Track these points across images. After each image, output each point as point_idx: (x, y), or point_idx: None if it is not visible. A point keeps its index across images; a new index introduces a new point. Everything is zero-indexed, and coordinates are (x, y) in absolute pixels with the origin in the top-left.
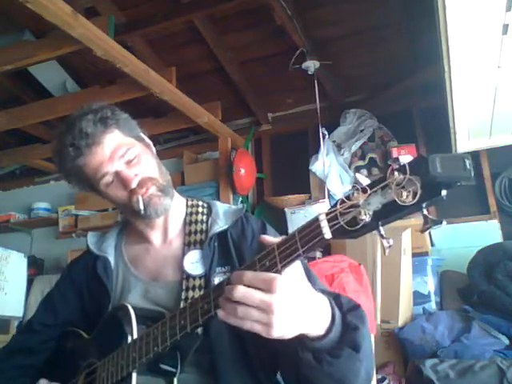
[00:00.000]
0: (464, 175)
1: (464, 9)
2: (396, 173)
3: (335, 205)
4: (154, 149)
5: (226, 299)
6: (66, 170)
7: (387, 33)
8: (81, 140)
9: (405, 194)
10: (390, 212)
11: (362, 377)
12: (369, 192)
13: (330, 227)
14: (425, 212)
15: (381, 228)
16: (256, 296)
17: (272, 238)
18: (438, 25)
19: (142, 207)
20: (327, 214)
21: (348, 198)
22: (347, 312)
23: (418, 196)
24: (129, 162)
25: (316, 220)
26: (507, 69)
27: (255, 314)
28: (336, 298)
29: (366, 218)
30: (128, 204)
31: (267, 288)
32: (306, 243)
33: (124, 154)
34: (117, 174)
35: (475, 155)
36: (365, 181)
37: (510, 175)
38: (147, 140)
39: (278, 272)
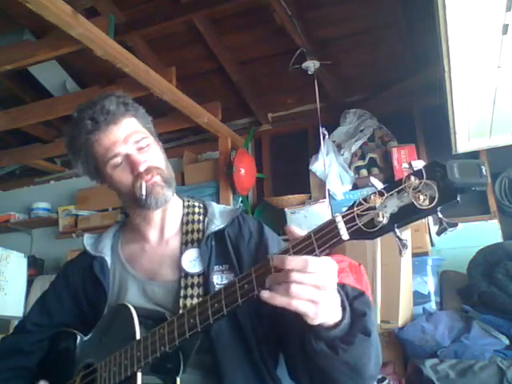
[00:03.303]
0: (480, 181)
1: (464, 9)
2: (412, 177)
3: (352, 207)
4: (162, 147)
5: (276, 278)
6: (78, 145)
7: (387, 33)
8: (101, 115)
9: (422, 197)
10: (407, 215)
11: (373, 361)
12: (386, 195)
13: (348, 228)
14: (440, 215)
15: (397, 230)
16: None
17: (298, 230)
18: (438, 25)
19: (144, 193)
20: (344, 216)
21: (365, 200)
22: (353, 299)
23: (435, 200)
24: (140, 149)
25: (333, 221)
26: (507, 69)
27: (309, 291)
28: (341, 288)
29: (383, 220)
30: (130, 189)
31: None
32: (323, 244)
33: (138, 140)
34: (127, 157)
35: (475, 155)
36: (379, 184)
37: (510, 175)
38: (157, 138)
39: None
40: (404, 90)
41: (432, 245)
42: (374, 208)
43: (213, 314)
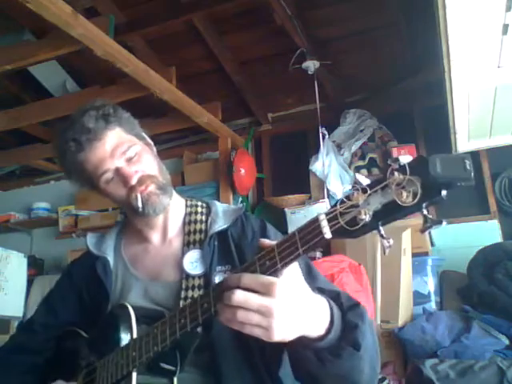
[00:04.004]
0: (464, 176)
1: (464, 9)
2: (396, 173)
3: (335, 205)
4: (154, 148)
5: (225, 304)
6: (67, 166)
7: (387, 33)
8: (82, 135)
9: (405, 194)
10: (390, 212)
11: (367, 373)
12: (369, 192)
13: (330, 227)
14: (425, 212)
15: (381, 228)
16: (255, 300)
17: (270, 241)
18: (438, 25)
19: (140, 205)
20: (327, 214)
21: (348, 197)
22: (347, 311)
23: (418, 196)
24: (129, 160)
25: (316, 220)
26: (507, 69)
27: (255, 318)
28: (336, 297)
29: (365, 217)
30: (127, 201)
31: (266, 292)
32: (306, 243)
33: (125, 151)
34: (117, 171)
35: (475, 155)
36: (365, 181)
37: (510, 175)
38: (148, 139)
39: (278, 271)
40: (404, 90)
41: (432, 245)
42: (357, 206)
43: (202, 314)
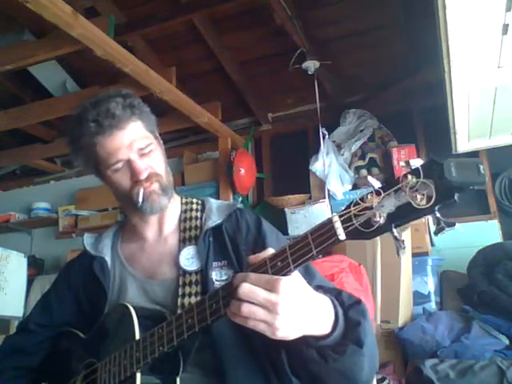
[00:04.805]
0: (478, 180)
1: (464, 9)
2: (409, 176)
3: (348, 206)
4: (163, 149)
5: (233, 298)
6: (80, 145)
7: (387, 33)
8: (106, 119)
9: (419, 197)
10: (404, 214)
11: (367, 370)
12: (383, 194)
13: (345, 228)
14: (438, 215)
15: (394, 230)
16: (260, 294)
17: (258, 256)
18: (438, 25)
19: (140, 200)
20: (340, 216)
21: (362, 199)
22: (349, 308)
23: (432, 199)
24: (142, 155)
25: (329, 221)
26: (507, 69)
27: (259, 312)
28: (337, 295)
29: (380, 220)
30: (128, 194)
31: (271, 288)
32: (320, 244)
33: (143, 147)
34: (128, 163)
35: (475, 155)
36: (377, 183)
37: (510, 175)
38: (160, 138)
39: (291, 272)
40: (404, 90)
41: (432, 245)
42: (370, 208)
43: (211, 315)
